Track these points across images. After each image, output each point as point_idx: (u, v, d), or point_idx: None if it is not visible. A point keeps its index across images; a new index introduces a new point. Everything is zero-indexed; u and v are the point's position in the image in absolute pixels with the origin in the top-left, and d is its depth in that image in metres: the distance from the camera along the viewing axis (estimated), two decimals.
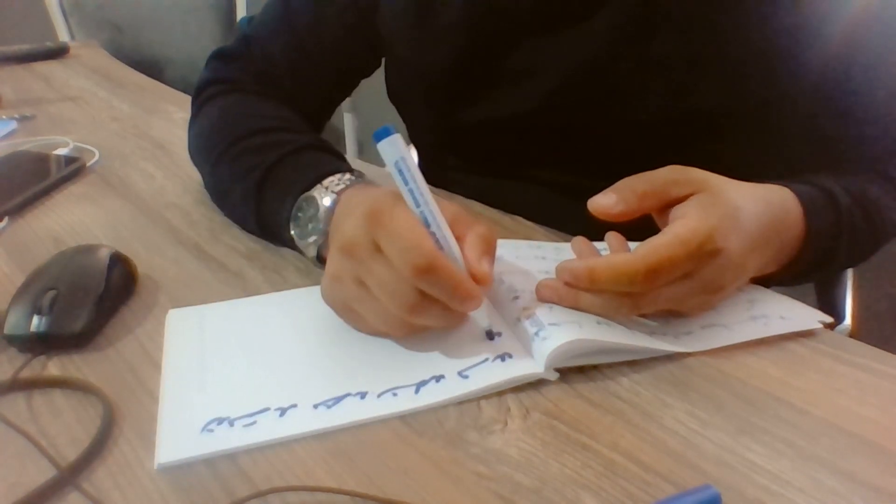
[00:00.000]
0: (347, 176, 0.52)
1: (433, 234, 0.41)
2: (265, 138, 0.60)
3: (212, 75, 0.72)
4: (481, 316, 0.44)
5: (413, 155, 0.42)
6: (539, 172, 0.66)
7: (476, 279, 0.41)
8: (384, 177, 0.76)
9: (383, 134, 0.41)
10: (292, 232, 0.53)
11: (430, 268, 0.39)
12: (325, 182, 0.52)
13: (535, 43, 0.60)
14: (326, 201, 0.50)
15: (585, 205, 0.45)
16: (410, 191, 0.41)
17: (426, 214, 0.41)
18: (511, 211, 0.64)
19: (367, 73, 0.75)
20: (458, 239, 0.43)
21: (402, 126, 0.78)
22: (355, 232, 0.42)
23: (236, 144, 0.61)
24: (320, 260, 0.52)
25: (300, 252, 0.54)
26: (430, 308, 0.41)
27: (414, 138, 0.78)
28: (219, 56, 0.74)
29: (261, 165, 0.57)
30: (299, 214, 0.52)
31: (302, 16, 0.69)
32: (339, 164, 0.55)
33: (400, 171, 0.41)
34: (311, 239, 0.51)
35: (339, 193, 0.50)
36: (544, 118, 0.62)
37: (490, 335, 0.44)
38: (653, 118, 0.58)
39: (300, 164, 0.56)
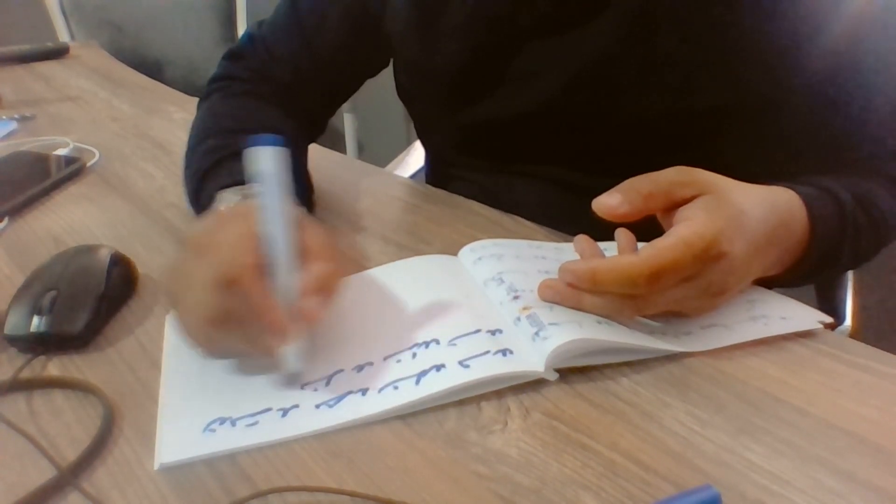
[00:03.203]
0: None
1: (273, 256, 0.40)
2: (217, 140, 0.61)
3: (217, 73, 0.73)
4: (290, 356, 0.40)
5: (281, 177, 0.41)
6: (544, 169, 0.66)
7: (296, 315, 0.39)
8: (382, 176, 0.76)
9: (263, 142, 0.40)
10: None
11: (234, 281, 0.37)
12: (243, 187, 0.52)
13: (540, 44, 0.60)
14: (224, 205, 0.51)
15: (589, 202, 0.45)
16: (265, 207, 0.40)
17: (272, 234, 0.40)
18: (515, 207, 0.64)
19: (373, 73, 0.75)
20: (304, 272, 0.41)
21: (401, 121, 0.78)
22: (199, 230, 0.41)
23: (198, 145, 0.62)
24: None
25: None
26: (231, 328, 0.39)
27: (422, 136, 0.78)
28: (227, 55, 0.75)
29: (203, 167, 0.58)
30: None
31: (309, 16, 0.70)
32: None
33: (263, 184, 0.40)
34: None
35: (245, 197, 0.51)
36: (549, 117, 0.62)
37: (292, 380, 0.41)
38: (656, 116, 0.58)
39: (230, 168, 0.56)
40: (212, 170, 0.57)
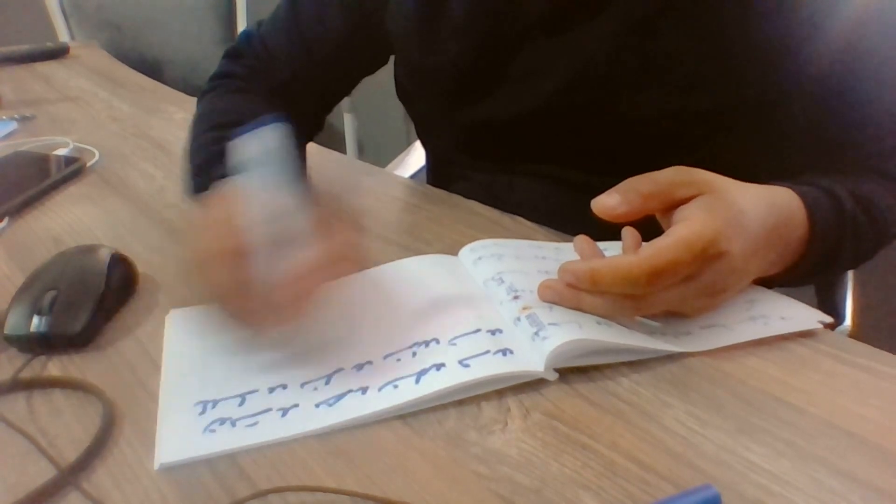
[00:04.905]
0: None
1: (276, 234, 0.40)
2: (213, 134, 0.61)
3: (216, 71, 0.74)
4: (291, 335, 0.42)
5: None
6: (544, 168, 0.66)
7: (287, 297, 0.40)
8: (382, 176, 0.76)
9: (264, 124, 0.41)
10: None
11: (226, 254, 0.39)
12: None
13: (541, 44, 0.60)
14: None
15: (589, 201, 0.45)
16: (267, 185, 0.41)
17: (275, 213, 0.41)
18: (516, 206, 0.64)
19: (371, 71, 0.75)
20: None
21: (401, 121, 0.78)
22: (208, 205, 0.43)
23: (195, 141, 0.63)
24: None
25: None
26: (236, 303, 0.40)
27: (422, 136, 0.78)
28: (226, 54, 0.76)
29: (196, 164, 0.58)
30: None
31: (308, 15, 0.70)
32: None
33: (261, 164, 0.41)
34: None
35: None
36: (550, 116, 0.62)
37: (290, 358, 0.42)
38: (656, 116, 0.58)
39: (224, 163, 0.56)
40: (206, 163, 0.57)
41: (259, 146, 0.41)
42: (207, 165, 0.57)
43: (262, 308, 0.40)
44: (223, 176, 0.53)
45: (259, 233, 0.40)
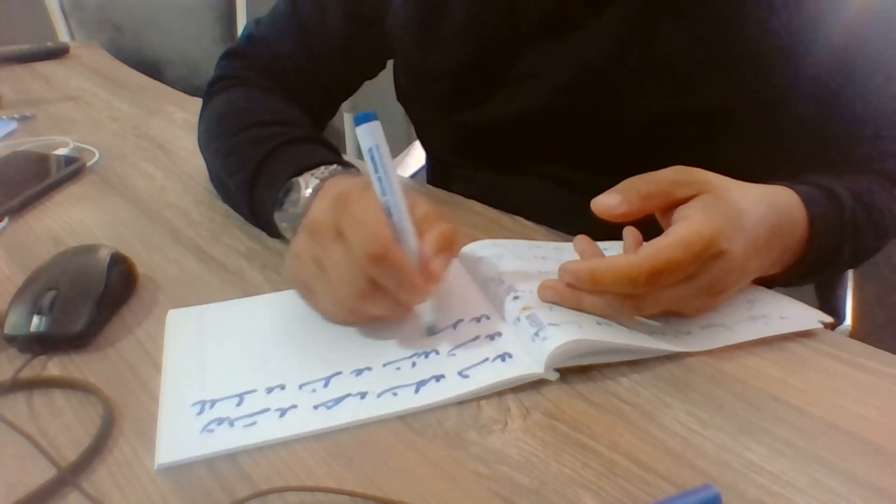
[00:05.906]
0: (335, 167, 0.54)
1: (394, 224, 0.42)
2: (263, 130, 0.61)
3: (221, 73, 0.73)
4: (426, 311, 0.45)
5: (389, 147, 0.43)
6: (544, 168, 0.66)
7: (427, 275, 0.42)
8: None
9: (363, 119, 0.42)
10: (275, 216, 0.54)
11: (383, 256, 0.40)
12: (313, 171, 0.53)
13: (541, 46, 0.60)
14: (308, 189, 0.52)
15: (589, 201, 0.45)
16: (379, 179, 0.42)
17: (390, 204, 0.42)
18: (515, 206, 0.64)
19: (371, 75, 0.75)
20: (421, 234, 0.43)
21: (401, 122, 0.78)
22: (321, 214, 0.43)
23: (237, 135, 0.62)
24: None
25: (284, 237, 0.56)
26: (378, 298, 0.42)
27: (422, 137, 0.78)
28: (228, 55, 0.75)
29: (256, 155, 0.58)
30: (285, 200, 0.54)
31: (309, 17, 0.70)
32: (330, 156, 0.56)
33: (371, 158, 0.42)
34: (287, 224, 0.53)
35: (322, 181, 0.52)
36: (550, 117, 0.62)
37: (431, 331, 0.45)
38: (655, 116, 0.58)
39: (292, 154, 0.57)
40: (270, 156, 0.57)
41: (371, 139, 0.42)
42: (274, 160, 0.57)
43: (403, 295, 0.42)
44: (300, 171, 0.53)
45: (390, 227, 0.42)
